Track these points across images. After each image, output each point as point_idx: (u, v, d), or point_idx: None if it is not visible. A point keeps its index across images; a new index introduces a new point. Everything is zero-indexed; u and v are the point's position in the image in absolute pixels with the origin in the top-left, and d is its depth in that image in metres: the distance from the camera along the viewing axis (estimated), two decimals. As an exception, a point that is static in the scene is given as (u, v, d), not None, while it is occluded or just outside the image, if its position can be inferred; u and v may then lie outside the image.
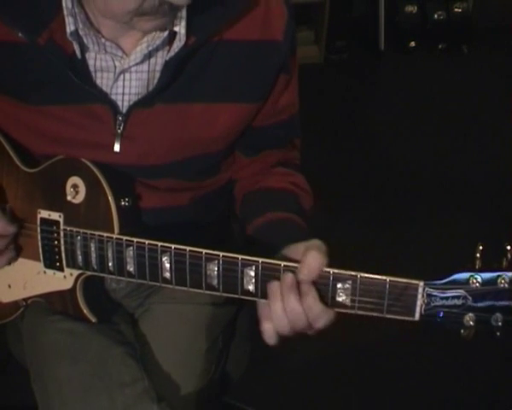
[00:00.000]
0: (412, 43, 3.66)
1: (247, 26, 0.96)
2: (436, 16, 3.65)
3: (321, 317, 0.84)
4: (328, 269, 0.83)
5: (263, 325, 0.87)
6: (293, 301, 0.83)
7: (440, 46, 3.66)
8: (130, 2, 0.85)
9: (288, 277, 0.83)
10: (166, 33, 0.92)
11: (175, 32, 0.92)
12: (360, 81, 3.42)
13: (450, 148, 2.92)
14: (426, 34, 3.66)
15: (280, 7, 0.99)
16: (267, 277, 0.85)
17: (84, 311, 1.03)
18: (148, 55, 0.95)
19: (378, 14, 3.58)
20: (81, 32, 0.91)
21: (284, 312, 0.84)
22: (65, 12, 0.90)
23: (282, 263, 0.84)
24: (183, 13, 0.91)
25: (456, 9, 3.66)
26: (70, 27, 0.90)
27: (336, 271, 0.83)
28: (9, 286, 1.08)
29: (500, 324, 0.78)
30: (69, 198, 0.99)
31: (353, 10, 3.61)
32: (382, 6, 3.56)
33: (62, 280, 1.02)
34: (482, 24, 3.68)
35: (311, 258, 0.82)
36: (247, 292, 0.87)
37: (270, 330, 0.86)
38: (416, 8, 3.64)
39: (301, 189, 1.10)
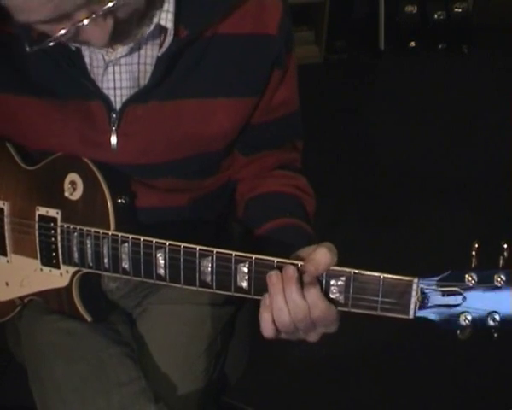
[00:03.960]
0: (412, 43, 3.66)
1: (240, 19, 0.95)
2: (436, 16, 3.65)
3: (325, 316, 0.81)
4: None
5: (261, 314, 0.84)
6: (295, 293, 0.81)
7: (440, 46, 3.66)
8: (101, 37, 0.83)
9: (290, 268, 0.81)
10: (153, 25, 0.91)
11: (167, 28, 0.91)
12: (360, 81, 3.42)
13: (449, 147, 2.92)
14: (426, 34, 3.66)
15: (274, 0, 0.98)
16: (260, 273, 0.84)
17: (80, 309, 1.03)
18: (138, 47, 0.94)
19: (378, 14, 3.58)
20: None
21: (286, 304, 0.81)
22: None
23: (276, 259, 0.83)
24: (171, 7, 0.90)
25: (456, 9, 3.67)
26: None
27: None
28: (7, 284, 1.08)
29: (497, 323, 0.77)
30: (67, 195, 0.99)
31: (353, 10, 3.62)
32: (382, 6, 3.56)
33: (58, 278, 1.02)
34: (482, 24, 3.68)
35: (318, 254, 0.80)
36: (240, 289, 0.86)
37: (268, 320, 0.83)
38: (416, 8, 3.65)
39: (304, 192, 1.09)
